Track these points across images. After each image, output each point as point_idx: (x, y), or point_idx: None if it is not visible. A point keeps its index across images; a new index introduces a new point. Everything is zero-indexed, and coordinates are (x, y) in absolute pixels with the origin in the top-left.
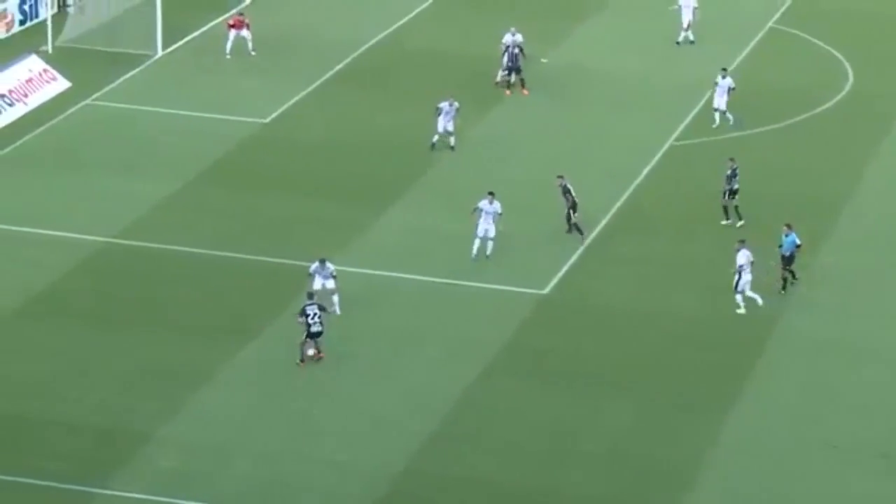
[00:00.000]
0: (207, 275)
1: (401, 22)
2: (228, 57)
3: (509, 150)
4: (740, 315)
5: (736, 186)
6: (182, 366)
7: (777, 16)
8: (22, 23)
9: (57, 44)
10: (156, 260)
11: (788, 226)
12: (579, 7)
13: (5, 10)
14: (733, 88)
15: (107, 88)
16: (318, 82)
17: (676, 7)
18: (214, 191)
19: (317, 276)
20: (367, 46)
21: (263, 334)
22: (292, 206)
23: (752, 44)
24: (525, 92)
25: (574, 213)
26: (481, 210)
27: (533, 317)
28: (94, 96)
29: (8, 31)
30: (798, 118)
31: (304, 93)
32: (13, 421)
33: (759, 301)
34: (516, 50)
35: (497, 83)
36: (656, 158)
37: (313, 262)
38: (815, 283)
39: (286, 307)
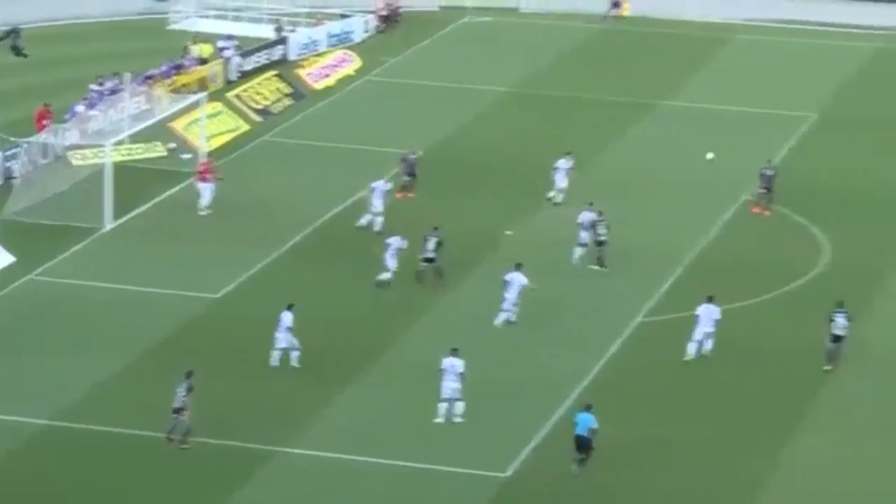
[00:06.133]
0: (150, 458)
1: (355, 197)
2: (207, 213)
3: (476, 326)
4: None
5: (602, 238)
6: None
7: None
8: None
9: (1, 217)
10: (89, 445)
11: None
12: (541, 183)
13: None
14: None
15: (51, 263)
16: (273, 256)
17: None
18: (162, 370)
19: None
20: (322, 220)
21: None
22: (243, 387)
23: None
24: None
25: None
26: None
27: (497, 500)
28: (38, 271)
29: None
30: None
31: (257, 267)
32: None
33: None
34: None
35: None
36: (625, 334)
37: None
38: None
39: (233, 493)
